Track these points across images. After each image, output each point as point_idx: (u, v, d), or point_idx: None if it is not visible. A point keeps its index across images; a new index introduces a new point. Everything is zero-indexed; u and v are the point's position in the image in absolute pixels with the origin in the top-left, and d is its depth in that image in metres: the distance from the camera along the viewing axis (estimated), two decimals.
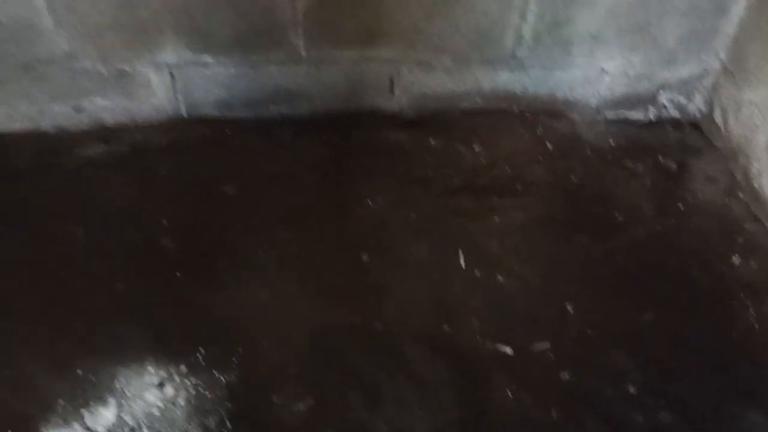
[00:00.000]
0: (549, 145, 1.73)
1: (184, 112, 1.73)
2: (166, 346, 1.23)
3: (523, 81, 1.74)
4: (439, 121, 1.79)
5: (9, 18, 1.50)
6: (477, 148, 1.71)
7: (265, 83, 1.69)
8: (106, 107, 1.69)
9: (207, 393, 1.15)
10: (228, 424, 1.10)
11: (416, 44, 1.64)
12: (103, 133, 1.73)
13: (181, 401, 1.14)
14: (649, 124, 1.84)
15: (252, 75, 1.67)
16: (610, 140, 1.77)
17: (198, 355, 1.20)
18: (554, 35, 1.64)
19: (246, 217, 1.48)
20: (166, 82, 1.66)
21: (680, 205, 1.57)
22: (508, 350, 1.22)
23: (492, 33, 1.63)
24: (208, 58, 1.62)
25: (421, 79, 1.72)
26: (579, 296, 1.33)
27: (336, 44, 1.62)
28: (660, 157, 1.71)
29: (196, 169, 1.61)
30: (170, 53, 1.60)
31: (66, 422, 1.10)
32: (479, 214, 1.52)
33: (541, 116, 1.81)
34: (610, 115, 1.82)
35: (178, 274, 1.34)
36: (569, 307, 1.31)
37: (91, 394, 1.15)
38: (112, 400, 1.13)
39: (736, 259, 1.42)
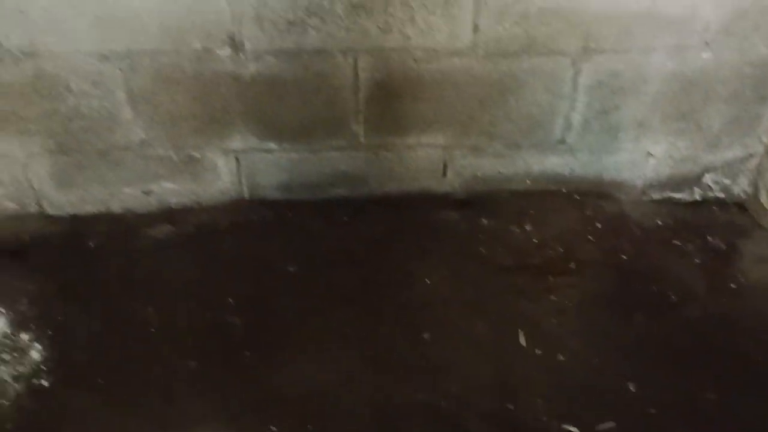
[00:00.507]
0: (598, 225, 1.80)
1: (246, 194, 1.84)
2: (237, 424, 1.27)
3: (571, 164, 1.83)
4: (489, 201, 1.87)
5: (92, 110, 1.64)
6: (528, 227, 1.78)
7: (325, 167, 1.80)
8: (173, 190, 1.80)
9: None
10: None
11: (470, 131, 1.74)
12: (170, 215, 1.84)
13: None
14: (695, 205, 1.90)
15: (313, 160, 1.78)
16: (658, 220, 1.84)
17: None
18: (602, 122, 1.74)
19: (308, 295, 1.55)
20: (231, 166, 1.77)
21: (732, 284, 1.62)
22: (575, 430, 1.24)
23: (542, 120, 1.73)
24: (272, 145, 1.74)
25: (472, 163, 1.82)
26: (640, 375, 1.36)
27: (394, 132, 1.73)
28: (708, 237, 1.76)
29: (258, 249, 1.70)
30: (238, 140, 1.72)
31: None
32: (535, 293, 1.58)
33: (589, 197, 1.88)
34: (656, 195, 1.89)
35: (246, 352, 1.40)
36: (631, 386, 1.34)
37: None
38: None
39: None
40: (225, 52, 1.55)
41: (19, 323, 1.46)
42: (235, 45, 1.55)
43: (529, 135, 1.76)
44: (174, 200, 1.81)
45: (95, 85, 1.58)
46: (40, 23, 1.48)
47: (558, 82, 1.66)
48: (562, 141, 1.77)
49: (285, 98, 1.64)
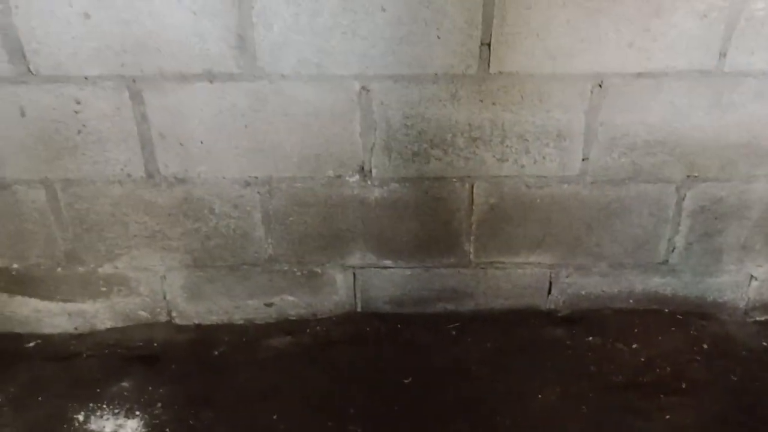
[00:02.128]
0: (704, 345, 1.89)
1: (359, 307, 2.00)
2: None
3: (674, 285, 1.95)
4: (593, 319, 1.99)
5: (229, 229, 1.85)
6: (634, 345, 1.88)
7: (435, 283, 1.96)
8: (292, 303, 1.98)
9: None
10: None
11: (576, 251, 1.89)
12: (288, 326, 2.01)
13: None
14: None
15: (424, 276, 1.94)
16: (764, 342, 1.92)
17: None
18: (705, 245, 1.87)
19: (424, 408, 1.67)
20: (349, 281, 1.95)
21: None
22: None
23: (647, 242, 1.87)
24: (388, 262, 1.92)
25: (577, 281, 1.95)
26: None
27: (503, 251, 1.89)
28: None
29: (373, 361, 1.83)
30: (357, 257, 1.91)
31: None
32: (649, 412, 1.66)
33: (692, 317, 1.98)
34: (760, 317, 1.98)
35: None
36: None
37: None
38: None
39: None
40: (354, 178, 1.76)
41: (154, 426, 1.61)
42: (364, 172, 1.75)
43: (633, 256, 1.89)
44: (292, 312, 1.98)
45: (236, 207, 1.80)
46: (196, 154, 1.72)
47: (663, 207, 1.81)
48: (666, 262, 1.90)
49: (404, 220, 1.83)
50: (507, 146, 1.70)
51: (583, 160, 1.71)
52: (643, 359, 1.83)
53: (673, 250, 1.86)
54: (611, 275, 1.91)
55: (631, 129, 1.68)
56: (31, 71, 1.59)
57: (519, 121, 1.67)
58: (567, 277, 1.92)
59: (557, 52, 1.57)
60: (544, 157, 1.71)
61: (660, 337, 1.90)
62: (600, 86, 1.61)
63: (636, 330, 1.93)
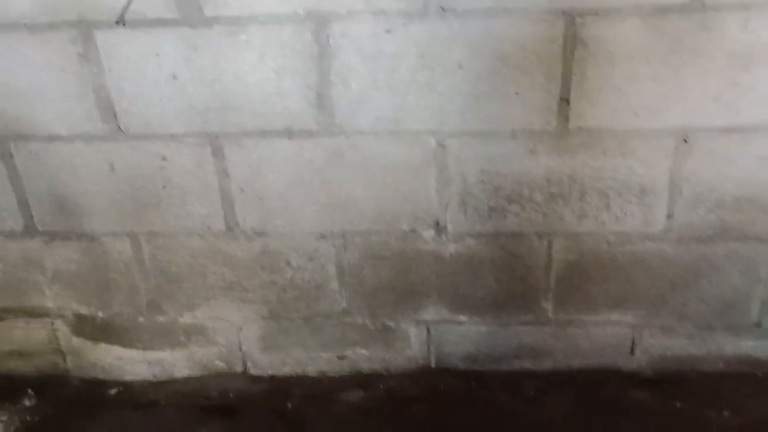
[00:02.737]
0: None
1: (432, 362, 1.96)
2: None
3: (767, 348, 1.83)
4: (679, 382, 1.89)
5: (304, 281, 1.86)
6: (725, 412, 1.77)
7: (512, 340, 1.91)
8: (365, 356, 1.96)
9: None
10: None
11: (660, 311, 1.81)
12: (360, 380, 1.99)
13: None
14: None
15: (500, 333, 1.90)
16: None
17: None
18: None
19: None
20: (422, 336, 1.92)
21: None
22: None
23: (737, 303, 1.77)
24: (463, 318, 1.88)
25: (662, 342, 1.86)
26: None
27: (582, 309, 1.83)
28: None
29: (449, 419, 1.79)
30: (431, 312, 1.88)
31: None
32: None
33: None
34: None
35: None
36: None
37: None
38: None
39: None
40: (429, 233, 1.75)
41: None
42: (439, 227, 1.73)
43: (722, 317, 1.80)
44: (365, 365, 1.96)
45: (311, 260, 1.81)
46: (274, 208, 1.75)
47: (754, 266, 1.71)
48: (759, 324, 1.79)
49: (480, 275, 1.79)
50: (587, 202, 1.65)
51: (667, 216, 1.65)
52: (734, 427, 1.72)
53: (766, 312, 1.75)
54: (698, 336, 1.82)
55: (719, 185, 1.61)
56: (121, 129, 1.66)
57: (600, 177, 1.63)
58: (651, 337, 1.84)
59: (640, 107, 1.53)
60: (625, 214, 1.66)
61: (753, 403, 1.79)
62: (685, 141, 1.55)
63: (727, 395, 1.82)
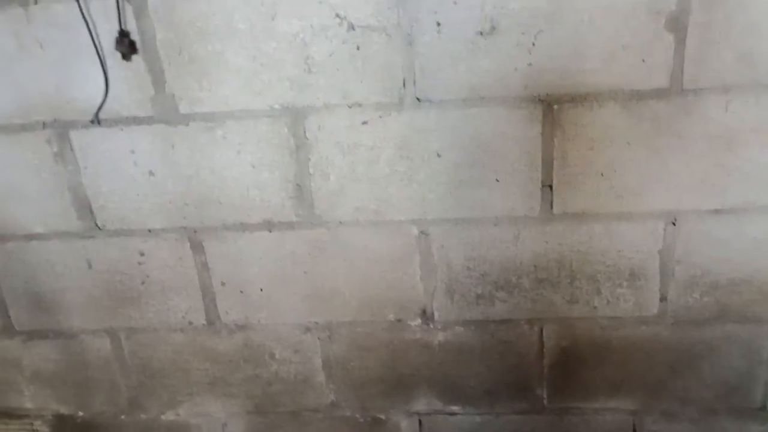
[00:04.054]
0: None
1: None
2: None
3: None
4: None
5: (290, 374, 1.80)
6: None
7: (507, 430, 1.82)
8: None
9: None
10: None
11: (660, 395, 1.73)
12: None
13: None
14: None
15: (495, 422, 1.81)
16: None
17: None
18: None
19: None
20: (414, 428, 1.84)
21: None
22: None
23: (740, 386, 1.70)
24: (456, 408, 1.80)
25: (664, 428, 1.78)
26: None
27: (579, 396, 1.75)
28: None
29: None
30: (422, 403, 1.80)
31: None
32: None
33: None
34: None
35: None
36: None
37: None
38: None
39: None
40: (416, 322, 1.69)
41: None
42: (426, 316, 1.68)
43: (726, 400, 1.72)
44: None
45: (296, 353, 1.75)
46: (256, 301, 1.70)
47: (755, 348, 1.65)
48: (764, 408, 1.71)
49: (470, 364, 1.72)
50: (576, 287, 1.60)
51: (660, 300, 1.59)
52: None
53: None
54: (703, 421, 1.74)
55: (712, 267, 1.55)
56: (98, 226, 1.64)
57: (588, 261, 1.58)
58: (653, 423, 1.76)
59: (624, 191, 1.49)
60: (617, 298, 1.60)
61: None
62: (673, 224, 1.51)
63: None
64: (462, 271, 1.63)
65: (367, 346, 1.73)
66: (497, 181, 1.52)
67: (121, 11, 1.42)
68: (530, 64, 1.41)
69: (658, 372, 1.70)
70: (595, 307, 1.64)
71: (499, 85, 1.43)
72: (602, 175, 1.50)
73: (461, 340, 1.71)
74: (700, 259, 1.57)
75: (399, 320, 1.69)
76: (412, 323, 1.70)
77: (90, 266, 1.68)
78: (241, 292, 1.69)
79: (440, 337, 1.71)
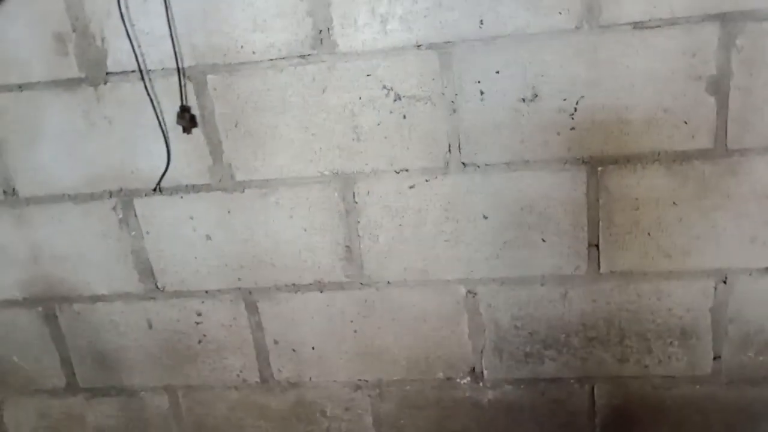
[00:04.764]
0: None
1: None
2: None
3: None
4: None
5: (340, 431, 1.82)
6: None
7: None
8: None
9: None
10: None
11: None
12: None
13: None
14: None
15: None
16: None
17: None
18: None
19: None
20: None
21: None
22: None
23: None
24: None
25: None
26: None
27: None
28: None
29: None
30: None
31: None
32: None
33: None
34: None
35: None
36: None
37: None
38: None
39: None
40: (465, 380, 1.71)
41: None
42: (475, 374, 1.70)
43: None
44: None
45: (347, 410, 1.79)
46: (308, 359, 1.76)
47: None
48: None
49: (521, 423, 1.74)
50: (627, 346, 1.61)
51: (714, 358, 1.59)
52: None
53: None
54: None
55: (767, 325, 1.54)
56: (158, 288, 1.72)
57: (637, 320, 1.59)
58: None
59: (672, 250, 1.51)
60: (669, 357, 1.61)
61: None
62: (724, 282, 1.52)
63: None
64: (510, 330, 1.66)
65: (417, 404, 1.77)
66: (543, 241, 1.56)
67: (183, 89, 1.51)
68: (573, 128, 1.45)
69: (715, 431, 1.68)
70: (646, 366, 1.64)
71: (542, 149, 1.48)
72: (649, 234, 1.52)
73: (511, 398, 1.73)
74: (753, 316, 1.56)
75: (448, 378, 1.73)
76: (462, 381, 1.73)
77: (150, 326, 1.77)
78: (294, 350, 1.76)
79: (490, 395, 1.73)
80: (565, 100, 1.43)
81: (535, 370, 1.69)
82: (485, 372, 1.71)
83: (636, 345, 1.63)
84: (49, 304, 1.80)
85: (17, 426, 1.98)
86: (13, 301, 1.82)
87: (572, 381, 1.69)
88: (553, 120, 1.45)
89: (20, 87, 1.60)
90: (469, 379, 1.72)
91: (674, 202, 1.49)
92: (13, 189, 1.70)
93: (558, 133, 1.45)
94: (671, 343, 1.61)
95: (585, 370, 1.67)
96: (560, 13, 1.37)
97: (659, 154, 1.46)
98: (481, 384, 1.72)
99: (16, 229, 1.73)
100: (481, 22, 1.41)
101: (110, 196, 1.67)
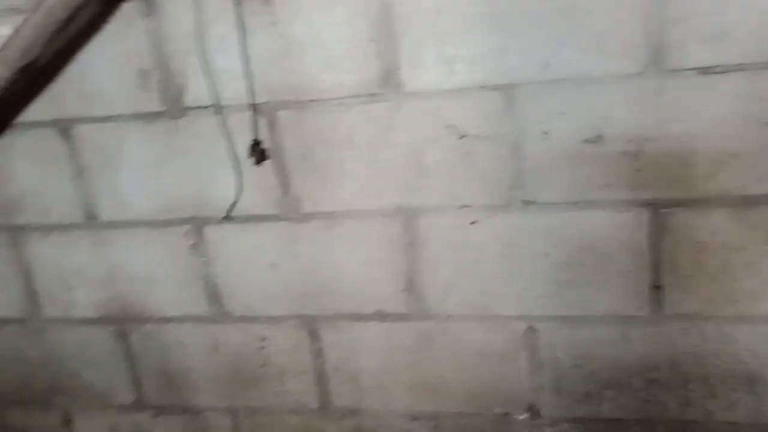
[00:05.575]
0: None
1: None
2: None
3: None
4: None
5: None
6: None
7: None
8: None
9: None
10: None
11: None
12: None
13: None
14: None
15: None
16: None
17: None
18: None
19: None
20: None
21: None
22: None
23: None
24: None
25: None
26: None
27: None
28: None
29: None
30: None
31: None
32: None
33: None
34: None
35: None
36: None
37: None
38: None
39: None
40: (523, 416, 1.80)
41: None
42: (533, 411, 1.79)
43: None
44: None
45: None
46: (366, 388, 1.87)
47: None
48: None
49: None
50: (690, 390, 1.67)
51: None
52: None
53: None
54: None
55: None
56: (225, 312, 1.88)
57: (701, 364, 1.65)
58: None
59: (739, 294, 1.57)
60: (734, 403, 1.66)
61: None
62: None
63: None
64: (569, 368, 1.74)
65: None
66: (604, 280, 1.64)
67: (255, 124, 1.67)
68: (637, 170, 1.54)
69: None
70: (710, 412, 1.70)
71: (605, 190, 1.56)
72: (715, 278, 1.58)
73: None
74: None
75: (505, 414, 1.82)
76: (519, 418, 1.82)
77: (216, 348, 1.93)
78: (353, 378, 1.88)
79: None
80: (630, 141, 1.52)
81: (594, 410, 1.77)
82: (543, 409, 1.79)
83: (699, 389, 1.68)
84: (121, 323, 1.98)
85: None
86: (88, 319, 2.01)
87: (632, 423, 1.76)
88: (617, 161, 1.53)
89: (104, 119, 1.77)
90: (527, 415, 1.81)
91: (742, 247, 1.54)
92: (94, 214, 1.87)
93: (622, 175, 1.54)
94: (736, 389, 1.66)
95: (646, 413, 1.74)
96: (625, 58, 1.45)
97: (726, 198, 1.51)
98: (538, 421, 1.80)
99: (95, 252, 1.91)
100: (546, 65, 1.50)
101: (183, 223, 1.83)
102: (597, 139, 1.51)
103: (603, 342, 1.67)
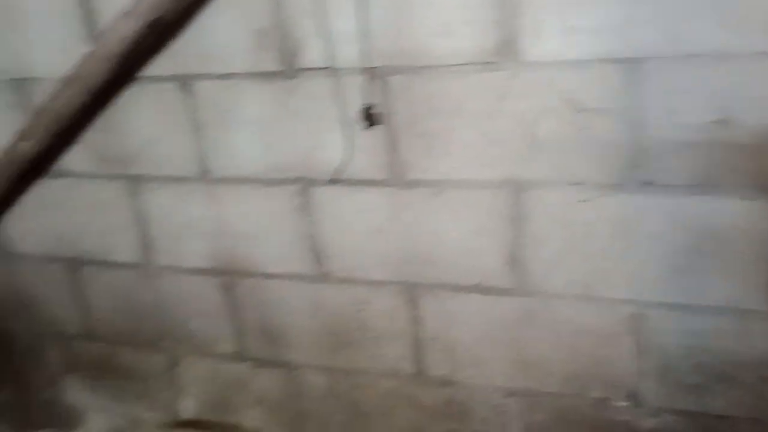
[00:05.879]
0: None
1: None
2: None
3: None
4: None
5: None
6: None
7: None
8: None
9: None
10: None
11: None
12: None
13: None
14: None
15: None
16: None
17: None
18: None
19: None
20: None
21: None
22: None
23: None
24: None
25: None
26: None
27: None
28: None
29: None
30: None
31: None
32: None
33: None
34: None
35: None
36: None
37: None
38: None
39: None
40: (623, 403, 1.77)
41: None
42: (635, 399, 1.76)
43: None
44: None
45: (497, 415, 1.92)
46: (462, 359, 1.90)
47: None
48: None
49: None
50: None
51: None
52: None
53: None
54: None
55: None
56: (327, 273, 1.94)
57: None
58: None
59: None
60: None
61: None
62: None
63: None
64: (677, 358, 1.70)
65: (570, 420, 1.86)
66: (723, 270, 1.58)
67: (368, 88, 1.70)
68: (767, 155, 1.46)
69: None
70: None
71: (731, 174, 1.50)
72: None
73: (672, 428, 1.77)
74: None
75: (605, 399, 1.80)
76: (618, 404, 1.80)
77: (316, 308, 2.00)
78: (450, 348, 1.91)
79: (649, 423, 1.79)
80: (761, 125, 1.44)
81: (701, 404, 1.72)
82: (645, 398, 1.76)
83: None
84: (228, 276, 2.08)
85: (189, 383, 2.31)
86: (198, 269, 2.13)
87: (742, 421, 1.70)
88: (746, 145, 1.46)
89: (222, 76, 1.85)
90: (627, 402, 1.78)
91: None
92: (208, 168, 1.96)
93: (749, 160, 1.47)
94: None
95: (759, 411, 1.68)
96: (764, 34, 1.38)
97: None
98: (639, 410, 1.77)
99: (207, 205, 2.02)
100: (675, 38, 1.44)
101: (291, 183, 1.89)
102: (726, 121, 1.45)
103: (716, 334, 1.64)
